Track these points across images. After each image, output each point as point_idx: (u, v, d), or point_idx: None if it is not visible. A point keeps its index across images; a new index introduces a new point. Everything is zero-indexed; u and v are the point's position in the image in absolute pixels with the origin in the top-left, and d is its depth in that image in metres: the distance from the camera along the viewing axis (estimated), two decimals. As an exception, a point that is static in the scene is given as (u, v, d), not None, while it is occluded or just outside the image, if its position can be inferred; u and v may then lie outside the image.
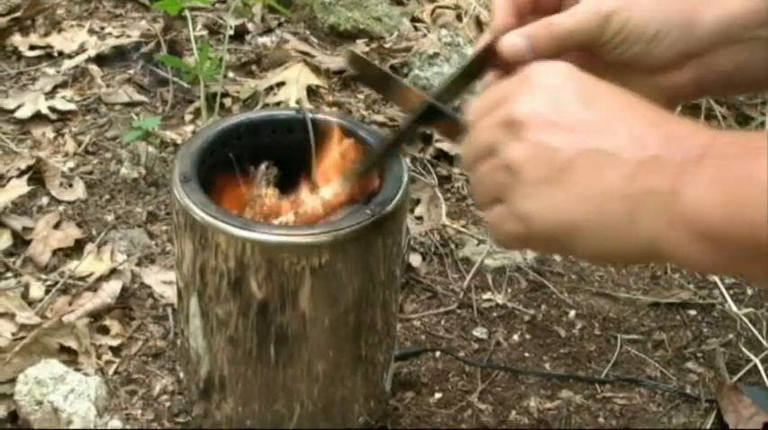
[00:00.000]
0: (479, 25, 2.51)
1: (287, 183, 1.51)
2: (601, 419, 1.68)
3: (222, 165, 1.49)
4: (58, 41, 2.47)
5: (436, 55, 2.33)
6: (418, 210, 2.05)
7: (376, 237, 1.40)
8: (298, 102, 2.20)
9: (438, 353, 1.76)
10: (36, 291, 1.80)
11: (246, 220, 1.38)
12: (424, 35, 2.48)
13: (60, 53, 2.44)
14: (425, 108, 1.19)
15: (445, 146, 2.19)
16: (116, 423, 1.57)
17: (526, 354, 1.78)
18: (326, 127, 1.50)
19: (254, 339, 1.45)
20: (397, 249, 1.48)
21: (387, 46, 2.52)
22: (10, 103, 2.25)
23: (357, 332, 1.49)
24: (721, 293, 1.93)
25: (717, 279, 1.96)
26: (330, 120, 1.54)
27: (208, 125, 1.59)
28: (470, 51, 2.32)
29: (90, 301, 1.77)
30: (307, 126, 1.52)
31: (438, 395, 1.70)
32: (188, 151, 1.47)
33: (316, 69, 2.40)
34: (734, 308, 1.90)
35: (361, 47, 2.52)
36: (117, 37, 2.50)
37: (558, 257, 1.99)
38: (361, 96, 2.35)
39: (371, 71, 1.30)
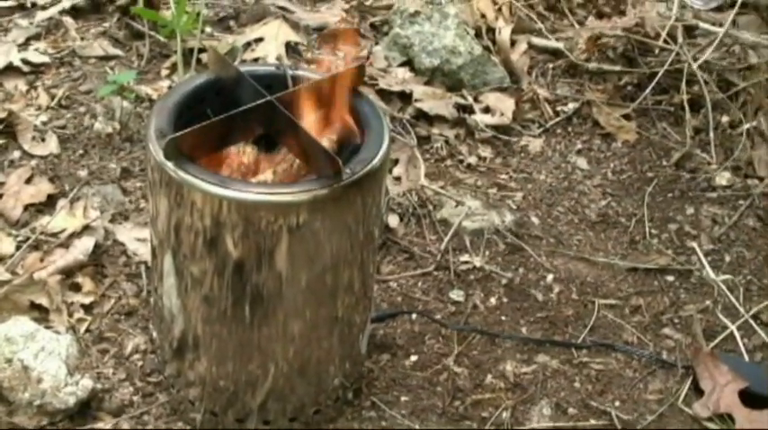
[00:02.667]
0: (461, -16, 2.48)
1: (267, 139, 1.48)
2: (577, 384, 1.67)
3: (199, 121, 1.46)
4: (31, -9, 2.42)
5: (417, 13, 2.29)
6: (396, 171, 2.02)
7: (355, 196, 1.38)
8: (278, 58, 2.16)
9: (414, 316, 1.75)
10: (7, 246, 1.77)
11: (223, 178, 1.35)
12: (405, -7, 2.45)
13: (33, 4, 2.39)
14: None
15: (425, 106, 2.16)
16: (87, 382, 1.55)
17: (503, 318, 1.77)
18: (308, 86, 1.47)
19: (230, 298, 1.43)
20: (377, 210, 1.46)
21: (367, 3, 2.49)
22: (-18, 55, 2.20)
23: (334, 293, 1.47)
24: (699, 260, 1.92)
25: (695, 245, 1.95)
26: (310, 76, 1.50)
27: (185, 80, 1.56)
28: (452, 11, 2.30)
29: (62, 258, 1.74)
30: (287, 82, 1.49)
31: (414, 358, 1.68)
32: (164, 106, 1.44)
33: (295, 26, 2.36)
34: (711, 274, 1.89)
35: (340, 3, 2.49)
36: (92, -12, 2.46)
37: (536, 220, 1.97)
38: (340, 54, 2.31)
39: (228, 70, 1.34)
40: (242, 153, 1.46)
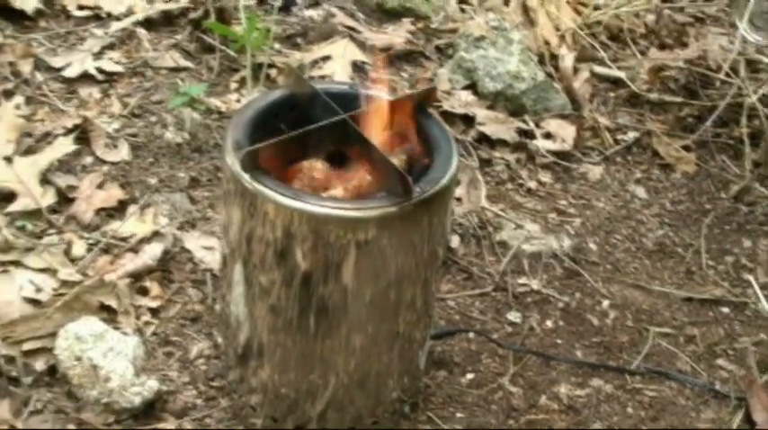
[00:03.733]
0: (526, 11, 2.52)
1: (338, 156, 1.52)
2: (630, 409, 1.69)
3: (273, 135, 1.50)
4: (106, 2, 2.48)
5: (482, 38, 2.33)
6: (458, 192, 2.06)
7: (423, 215, 1.42)
8: (352, 78, 2.21)
9: (472, 335, 1.78)
10: (78, 248, 1.83)
11: (296, 191, 1.39)
12: (471, 18, 2.49)
13: (108, 14, 2.46)
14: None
15: (488, 129, 2.20)
16: (153, 383, 1.60)
17: (558, 341, 1.80)
18: (379, 102, 1.51)
19: (296, 309, 1.47)
20: (442, 229, 1.49)
21: (433, 26, 2.53)
22: (58, 62, 2.26)
23: (396, 309, 1.50)
24: (755, 292, 1.94)
25: (751, 277, 1.97)
26: (382, 96, 1.55)
27: (260, 95, 1.60)
28: (516, 37, 2.33)
29: (131, 262, 1.79)
30: (360, 101, 1.53)
31: (470, 375, 1.71)
32: (240, 120, 1.49)
33: (361, 45, 2.41)
34: (767, 307, 1.90)
35: (406, 26, 2.53)
36: (165, 1, 2.52)
37: (594, 246, 2.00)
38: (405, 75, 2.36)
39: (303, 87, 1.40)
40: (314, 168, 1.50)
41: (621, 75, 2.43)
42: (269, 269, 1.45)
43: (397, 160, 1.47)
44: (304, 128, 1.43)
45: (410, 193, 1.36)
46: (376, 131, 1.48)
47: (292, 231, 1.39)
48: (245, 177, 1.38)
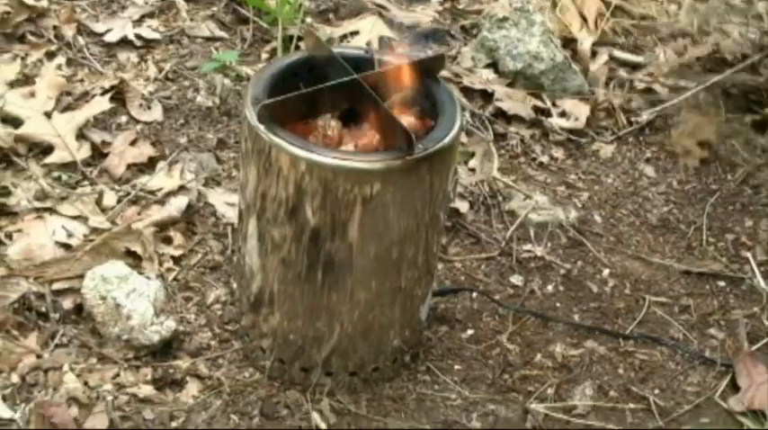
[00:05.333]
0: (550, -6, 2.61)
1: (351, 116, 1.63)
2: (620, 370, 1.78)
3: (291, 92, 1.60)
4: (149, -27, 2.60)
5: (505, 19, 2.42)
6: (472, 163, 2.15)
7: (424, 173, 1.51)
8: (367, 43, 2.31)
9: (474, 294, 1.88)
10: (109, 199, 1.94)
11: (307, 143, 1.50)
12: (496, -1, 2.58)
13: (150, -15, 2.58)
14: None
15: (505, 105, 2.29)
16: (171, 323, 1.71)
17: (557, 304, 1.89)
18: (392, 68, 1.61)
19: (305, 263, 1.58)
20: (444, 194, 1.59)
21: (460, 7, 2.63)
22: (100, 27, 2.38)
23: (399, 266, 1.61)
24: (752, 268, 2.02)
25: (749, 255, 2.05)
26: (395, 61, 1.64)
27: (281, 57, 1.71)
28: (538, 18, 2.42)
29: (158, 213, 1.91)
30: (374, 65, 1.63)
31: (470, 331, 1.81)
32: (261, 77, 1.60)
33: (389, 22, 2.51)
34: (762, 283, 1.98)
35: (434, 6, 2.63)
36: (205, -26, 2.63)
37: (599, 219, 2.08)
38: (429, 52, 2.45)
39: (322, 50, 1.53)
40: (327, 126, 1.60)
41: (640, 59, 2.51)
42: (281, 225, 1.56)
43: (407, 121, 1.57)
44: (319, 85, 1.54)
45: (412, 148, 1.46)
46: (386, 92, 1.58)
47: (303, 187, 1.50)
48: (261, 128, 1.49)
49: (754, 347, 1.85)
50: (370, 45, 1.83)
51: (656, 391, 1.76)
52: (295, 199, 1.51)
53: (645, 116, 2.38)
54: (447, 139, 1.52)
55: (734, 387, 1.77)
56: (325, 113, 1.59)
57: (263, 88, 1.57)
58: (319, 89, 1.54)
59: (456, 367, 1.75)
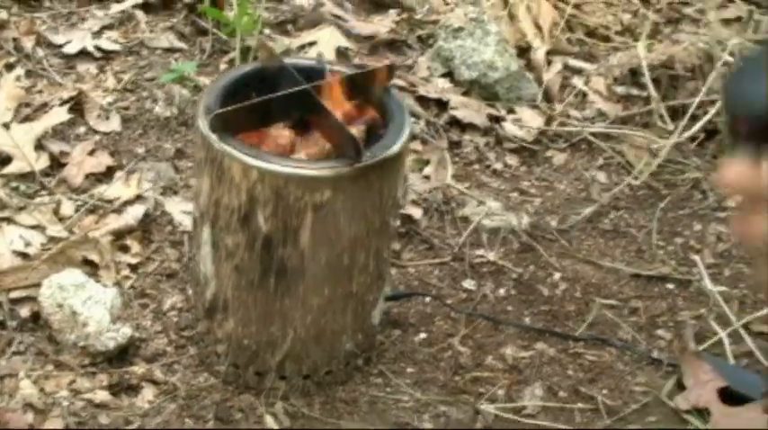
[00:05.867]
0: (506, 3, 2.64)
1: (303, 126, 1.66)
2: (570, 371, 1.82)
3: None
4: (108, -14, 2.63)
5: (461, 29, 2.46)
6: (427, 170, 2.19)
7: (373, 180, 1.55)
8: (318, 54, 2.34)
9: (428, 299, 1.91)
10: (67, 208, 1.97)
11: (258, 151, 1.53)
12: (452, 9, 2.62)
13: (110, -3, 2.61)
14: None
15: (459, 113, 2.33)
16: (127, 330, 1.73)
17: (509, 308, 1.93)
18: (341, 78, 1.64)
19: (258, 269, 1.62)
20: (393, 201, 1.63)
21: (417, 17, 2.66)
22: (59, 39, 2.41)
23: (350, 272, 1.64)
24: (700, 271, 2.06)
25: (698, 258, 2.09)
26: (344, 71, 1.68)
27: (234, 67, 1.74)
28: (493, 29, 2.46)
29: (114, 221, 1.94)
30: (325, 75, 1.67)
31: (423, 335, 1.85)
32: (214, 88, 1.63)
33: (347, 33, 2.55)
34: (709, 285, 2.03)
35: (392, 16, 2.66)
36: (164, -14, 2.66)
37: (553, 223, 2.13)
38: (386, 61, 2.48)
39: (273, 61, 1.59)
40: (279, 135, 1.64)
41: (593, 68, 2.56)
42: (234, 232, 1.59)
43: (356, 130, 1.61)
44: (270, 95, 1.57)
45: (361, 156, 1.49)
46: (336, 102, 1.61)
47: (255, 195, 1.53)
48: (213, 137, 1.52)
49: (700, 347, 1.89)
50: (321, 56, 1.87)
51: (605, 391, 1.80)
52: (247, 207, 1.55)
53: (598, 124, 2.42)
54: (395, 147, 1.55)
55: (680, 386, 1.81)
56: (277, 123, 1.62)
57: (216, 98, 1.60)
58: (270, 98, 1.57)
59: (408, 370, 1.79)
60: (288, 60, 1.70)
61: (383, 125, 1.63)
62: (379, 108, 1.66)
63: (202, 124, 1.54)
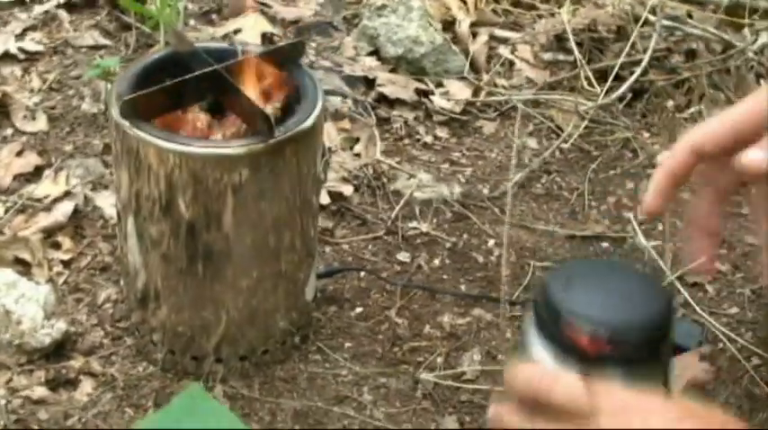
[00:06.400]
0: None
1: (218, 109, 1.66)
2: (508, 334, 1.84)
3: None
4: (30, -12, 2.62)
5: (384, 6, 2.47)
6: (357, 148, 2.20)
7: (290, 156, 1.55)
8: (228, 36, 2.36)
9: (362, 274, 1.92)
10: (-4, 210, 1.96)
11: (172, 135, 1.53)
12: (376, -12, 2.63)
13: (32, -1, 2.60)
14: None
15: (387, 90, 2.34)
16: (61, 325, 1.73)
17: (444, 277, 1.94)
18: (252, 58, 1.65)
19: (184, 256, 1.62)
20: (313, 178, 1.63)
21: (341, -1, 2.67)
22: (-18, 43, 2.40)
23: (277, 252, 1.65)
24: (633, 228, 2.08)
25: (631, 215, 2.11)
26: (256, 51, 1.68)
27: (146, 54, 1.74)
28: (416, 4, 2.47)
29: (44, 219, 1.93)
30: (237, 56, 1.67)
31: (359, 309, 1.86)
32: (125, 75, 1.63)
33: (272, 19, 2.55)
34: (643, 241, 2.04)
35: (316, -1, 2.67)
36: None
37: (485, 191, 2.14)
38: (313, 44, 2.49)
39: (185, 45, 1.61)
40: (195, 118, 1.64)
41: (519, 36, 2.58)
42: (157, 222, 1.60)
43: (271, 108, 1.61)
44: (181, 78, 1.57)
45: (273, 131, 1.50)
46: (248, 82, 1.62)
47: (174, 182, 1.53)
48: (126, 124, 1.52)
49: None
50: (231, 38, 1.87)
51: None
52: (168, 195, 1.55)
53: (526, 92, 2.43)
54: (309, 121, 1.56)
55: (617, 341, 1.83)
56: (190, 106, 1.62)
57: (128, 85, 1.60)
58: (182, 81, 1.57)
59: (346, 344, 1.79)
60: (199, 44, 1.70)
61: (297, 101, 1.63)
62: (293, 85, 1.66)
63: (114, 112, 1.54)
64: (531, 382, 0.96)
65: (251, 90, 1.59)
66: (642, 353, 0.97)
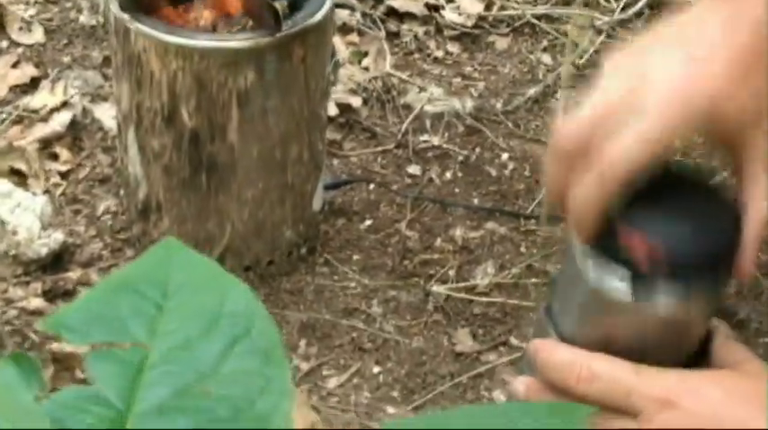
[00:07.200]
0: None
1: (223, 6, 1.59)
2: (522, 249, 1.77)
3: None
4: None
5: None
6: (365, 62, 2.12)
7: (298, 51, 1.48)
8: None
9: (372, 186, 1.85)
10: (-9, 121, 1.89)
11: (175, 28, 1.46)
12: None
13: None
14: None
15: (396, 3, 2.26)
16: (59, 236, 1.66)
17: (456, 190, 1.87)
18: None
19: (187, 169, 1.56)
20: (322, 84, 1.56)
21: None
22: (-24, -45, 2.31)
23: (284, 164, 1.59)
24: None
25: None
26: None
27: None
28: None
29: (41, 130, 1.86)
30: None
31: (368, 222, 1.79)
32: (125, -32, 1.55)
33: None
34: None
35: None
36: None
37: (498, 105, 2.06)
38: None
39: None
40: (200, 17, 1.56)
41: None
42: (159, 133, 1.53)
43: (278, 5, 1.53)
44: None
45: (280, 24, 1.42)
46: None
47: (177, 90, 1.46)
48: (126, 18, 1.44)
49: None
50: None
51: (559, 266, 1.74)
52: (170, 106, 1.49)
53: (541, 8, 2.35)
54: (318, 15, 1.48)
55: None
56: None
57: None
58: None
59: (355, 257, 1.73)
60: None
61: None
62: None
63: (113, 6, 1.46)
64: (562, 374, 0.87)
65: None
66: (701, 274, 0.88)
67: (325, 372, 1.57)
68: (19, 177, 1.78)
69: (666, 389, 0.84)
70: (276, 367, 0.48)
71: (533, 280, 1.71)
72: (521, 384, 0.92)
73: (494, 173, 1.91)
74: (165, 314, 0.51)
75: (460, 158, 1.93)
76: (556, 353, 0.89)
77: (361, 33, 2.18)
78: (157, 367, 0.48)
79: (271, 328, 0.50)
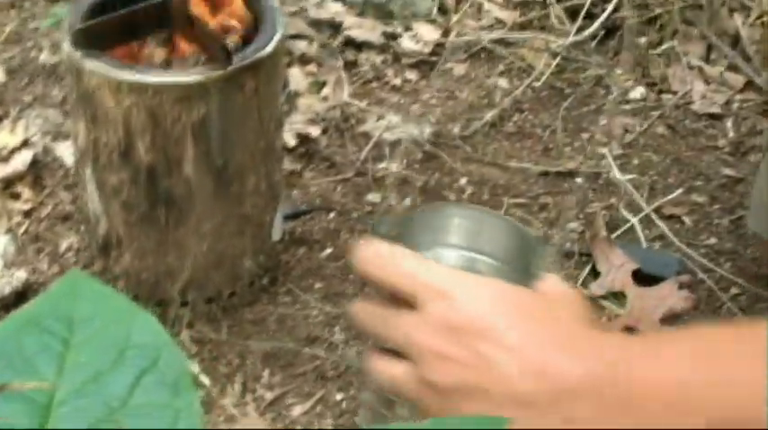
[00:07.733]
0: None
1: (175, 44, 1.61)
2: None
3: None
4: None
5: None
6: (324, 91, 2.15)
7: (250, 83, 1.50)
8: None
9: (332, 215, 1.87)
10: (-48, 163, 1.90)
11: (127, 65, 1.47)
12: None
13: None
14: None
15: (354, 33, 2.29)
16: (21, 274, 1.68)
17: (416, 216, 1.89)
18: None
19: (145, 203, 1.57)
20: (276, 114, 1.58)
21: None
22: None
23: (241, 196, 1.61)
24: (609, 163, 2.03)
25: (606, 150, 2.07)
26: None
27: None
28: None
29: (2, 169, 1.87)
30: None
31: (329, 250, 1.81)
32: (78, 7, 1.57)
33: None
34: (618, 174, 2.00)
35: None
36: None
37: (456, 130, 2.09)
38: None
39: None
40: (152, 54, 1.58)
41: (487, -22, 2.52)
42: (116, 169, 1.55)
43: (230, 40, 1.56)
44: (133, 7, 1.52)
45: (230, 58, 1.44)
46: (205, 12, 1.56)
47: (131, 125, 1.48)
48: (77, 56, 1.46)
49: (613, 235, 1.87)
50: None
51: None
52: (126, 141, 1.51)
53: (495, 33, 2.38)
54: (269, 47, 1.51)
55: (595, 274, 1.79)
56: (145, 37, 1.57)
57: (81, 16, 1.54)
58: (135, 10, 1.51)
59: (317, 285, 1.75)
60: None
61: (257, 32, 1.58)
62: (252, 17, 1.60)
63: (66, 44, 1.48)
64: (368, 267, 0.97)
65: (208, 20, 1.54)
66: None
67: (289, 401, 1.59)
68: (-19, 218, 1.79)
69: (444, 282, 0.90)
70: (184, 399, 0.49)
71: (493, 302, 1.73)
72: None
73: (452, 197, 1.94)
74: (72, 349, 0.52)
75: (419, 184, 1.96)
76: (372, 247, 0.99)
77: (319, 64, 2.21)
78: (67, 403, 0.50)
79: (178, 359, 0.52)
